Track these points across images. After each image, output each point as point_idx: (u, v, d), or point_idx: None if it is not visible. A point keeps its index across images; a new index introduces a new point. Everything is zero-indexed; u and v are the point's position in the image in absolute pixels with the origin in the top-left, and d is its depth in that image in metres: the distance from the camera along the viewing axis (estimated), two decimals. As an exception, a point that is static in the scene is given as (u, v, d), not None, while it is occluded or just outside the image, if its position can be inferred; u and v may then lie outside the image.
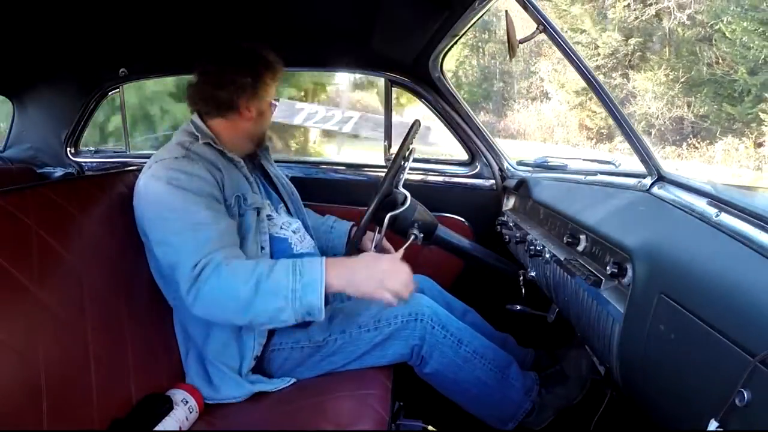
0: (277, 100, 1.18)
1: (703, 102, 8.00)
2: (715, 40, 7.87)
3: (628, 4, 8.57)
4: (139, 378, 0.97)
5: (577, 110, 9.02)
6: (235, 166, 1.10)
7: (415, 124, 1.19)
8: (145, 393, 0.97)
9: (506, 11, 1.03)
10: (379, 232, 1.16)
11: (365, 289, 0.90)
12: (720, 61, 7.84)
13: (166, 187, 0.97)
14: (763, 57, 7.38)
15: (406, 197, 1.14)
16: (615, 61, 8.67)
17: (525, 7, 0.96)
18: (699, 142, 7.99)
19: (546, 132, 9.54)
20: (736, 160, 7.52)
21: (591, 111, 8.76)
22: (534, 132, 9.71)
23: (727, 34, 7.57)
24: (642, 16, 8.49)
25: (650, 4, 8.46)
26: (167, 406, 0.94)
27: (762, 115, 7.23)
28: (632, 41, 8.58)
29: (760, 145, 7.43)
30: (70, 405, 0.82)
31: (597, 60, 8.57)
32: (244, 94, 1.10)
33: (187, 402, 0.97)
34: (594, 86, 0.94)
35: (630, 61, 8.47)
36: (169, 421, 0.92)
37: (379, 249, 1.20)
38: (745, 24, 7.46)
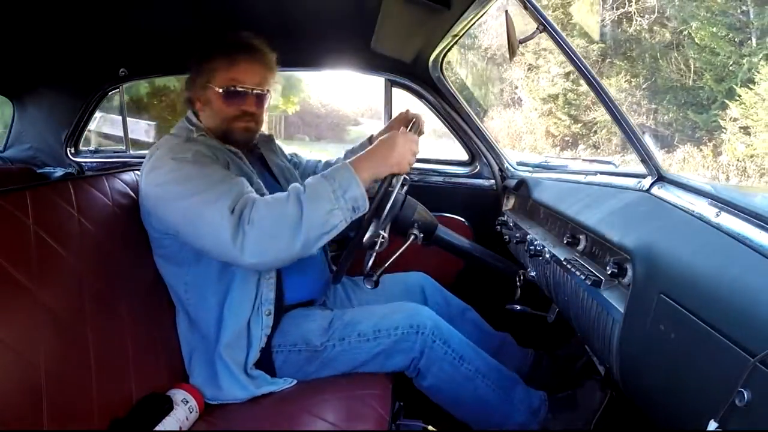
0: (247, 88, 1.09)
1: (667, 109, 7.87)
2: (683, 46, 7.70)
3: (591, 9, 8.42)
4: (139, 378, 0.97)
5: (544, 118, 8.93)
6: (234, 156, 1.10)
7: (414, 124, 1.17)
8: (145, 393, 0.96)
9: (506, 11, 1.03)
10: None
11: (387, 171, 0.96)
12: (684, 67, 7.68)
13: (176, 163, 0.97)
14: (731, 64, 7.17)
15: (404, 200, 1.13)
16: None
17: (525, 7, 0.96)
18: (658, 150, 7.86)
19: (515, 139, 9.49)
20: (694, 169, 7.36)
21: (557, 118, 8.69)
22: (504, 138, 9.67)
23: (696, 40, 7.37)
24: (604, 21, 8.33)
25: (610, 9, 8.31)
26: (167, 406, 0.94)
27: (722, 123, 7.02)
28: (595, 47, 8.48)
29: (719, 154, 7.23)
30: (70, 405, 0.82)
31: (567, 66, 8.47)
32: (192, 87, 1.13)
33: (187, 402, 0.97)
34: (594, 86, 0.94)
35: (600, 67, 8.38)
36: (169, 421, 0.92)
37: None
38: (713, 29, 7.25)
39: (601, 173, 1.22)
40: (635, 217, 0.85)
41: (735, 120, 6.85)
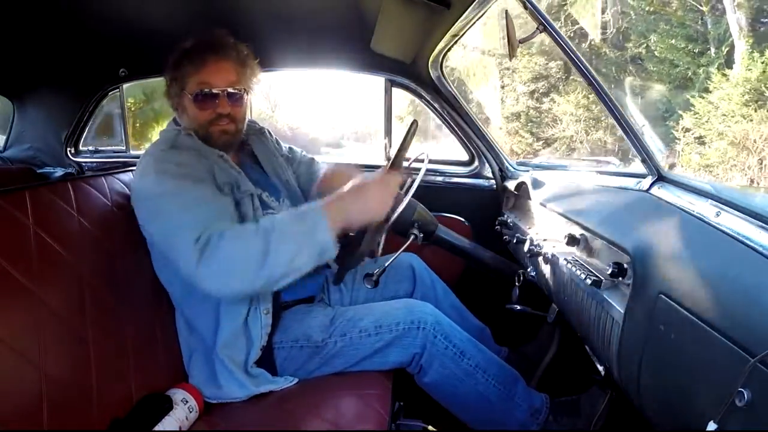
0: (219, 89, 1.05)
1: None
2: (642, 60, 7.61)
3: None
4: (139, 378, 0.97)
5: (510, 136, 8.86)
6: (220, 157, 1.09)
7: (413, 125, 1.16)
8: (145, 393, 0.97)
9: (506, 11, 1.03)
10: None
11: (360, 223, 0.95)
12: (642, 81, 7.58)
13: (158, 177, 0.98)
14: (690, 75, 7.09)
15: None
16: (548, 85, 8.49)
17: (525, 7, 0.96)
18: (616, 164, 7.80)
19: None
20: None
21: (520, 137, 8.65)
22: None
23: (656, 53, 7.28)
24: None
25: (564, 26, 8.13)
26: (167, 406, 0.94)
27: (676, 134, 6.84)
28: (552, 64, 8.41)
29: (672, 166, 7.20)
30: (70, 405, 0.82)
31: (529, 85, 8.38)
32: (169, 95, 1.12)
33: (186, 402, 0.97)
34: (595, 87, 0.94)
35: (564, 85, 8.30)
36: (169, 421, 0.92)
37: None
38: (672, 41, 7.17)
39: (601, 173, 1.22)
40: (635, 217, 0.85)
41: (688, 130, 6.79)
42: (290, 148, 1.36)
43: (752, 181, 6.11)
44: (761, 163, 6.10)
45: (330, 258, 0.93)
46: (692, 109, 6.72)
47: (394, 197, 0.95)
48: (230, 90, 1.07)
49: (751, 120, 6.13)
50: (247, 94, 1.12)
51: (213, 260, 0.88)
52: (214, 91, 1.06)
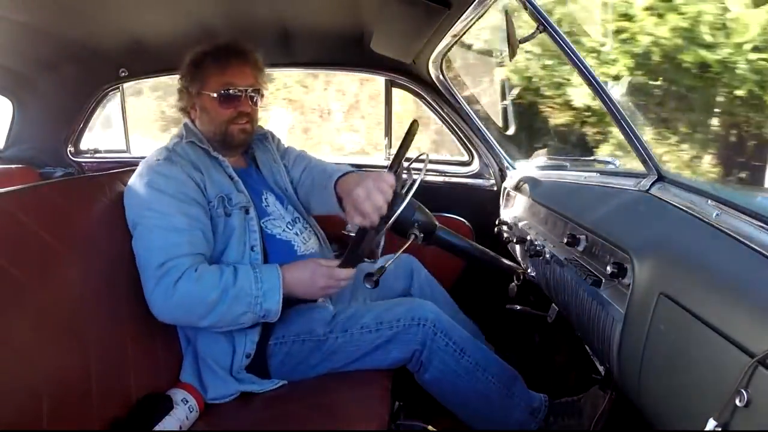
0: (242, 89, 1.11)
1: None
2: None
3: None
4: (139, 378, 0.97)
5: None
6: (219, 164, 1.12)
7: (414, 126, 1.16)
8: (145, 393, 0.97)
9: (506, 11, 1.03)
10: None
11: (302, 296, 1.05)
12: None
13: (147, 189, 1.02)
14: None
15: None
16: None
17: (525, 7, 0.96)
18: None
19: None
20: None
21: None
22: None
23: None
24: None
25: None
26: (167, 406, 0.94)
27: None
28: None
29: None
30: (70, 404, 0.82)
31: None
32: (186, 96, 1.15)
33: (187, 401, 0.97)
34: (594, 86, 0.93)
35: None
36: (169, 421, 0.92)
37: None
38: None
39: (601, 173, 1.22)
40: (635, 217, 0.85)
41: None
42: (286, 155, 1.33)
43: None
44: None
45: (272, 320, 1.02)
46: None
47: (333, 290, 1.06)
48: (251, 91, 1.13)
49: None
50: (262, 97, 1.17)
51: (167, 292, 0.96)
52: (238, 89, 1.11)
